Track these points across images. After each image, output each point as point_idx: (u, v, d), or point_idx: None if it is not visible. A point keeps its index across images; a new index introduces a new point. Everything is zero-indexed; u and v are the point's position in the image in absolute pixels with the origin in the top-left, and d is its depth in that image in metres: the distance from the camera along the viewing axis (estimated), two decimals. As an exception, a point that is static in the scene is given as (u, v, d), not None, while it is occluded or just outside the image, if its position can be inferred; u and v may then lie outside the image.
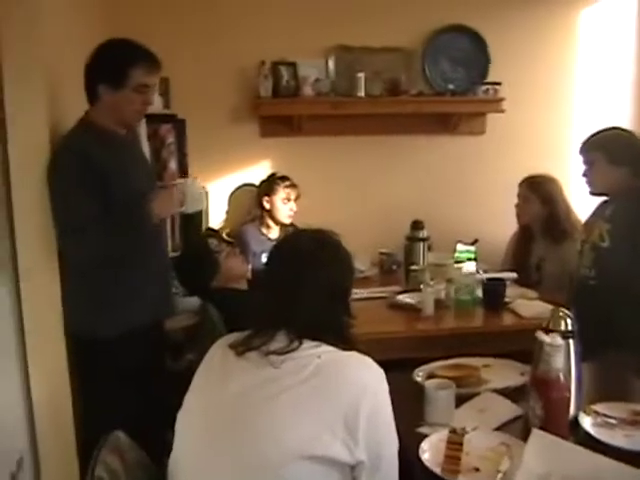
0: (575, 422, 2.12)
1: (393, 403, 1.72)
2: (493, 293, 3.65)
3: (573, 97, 5.25)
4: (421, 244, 4.06)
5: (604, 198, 3.31)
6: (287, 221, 4.49)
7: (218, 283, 3.59)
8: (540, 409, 2.01)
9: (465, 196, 5.12)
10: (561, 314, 2.19)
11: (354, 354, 1.75)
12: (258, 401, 1.65)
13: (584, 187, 3.36)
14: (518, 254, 4.35)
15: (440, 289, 3.63)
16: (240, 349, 1.77)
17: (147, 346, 2.82)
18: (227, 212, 4.84)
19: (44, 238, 2.61)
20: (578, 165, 3.37)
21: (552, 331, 2.10)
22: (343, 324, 1.88)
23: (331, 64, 4.87)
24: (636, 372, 2.58)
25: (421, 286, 3.57)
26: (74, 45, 3.09)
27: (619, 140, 3.27)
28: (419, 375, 2.56)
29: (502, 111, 4.92)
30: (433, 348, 3.11)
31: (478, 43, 4.99)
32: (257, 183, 4.66)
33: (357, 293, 3.14)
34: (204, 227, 4.50)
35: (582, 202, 3.85)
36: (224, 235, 4.41)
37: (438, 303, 3.56)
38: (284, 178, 4.49)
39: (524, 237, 4.33)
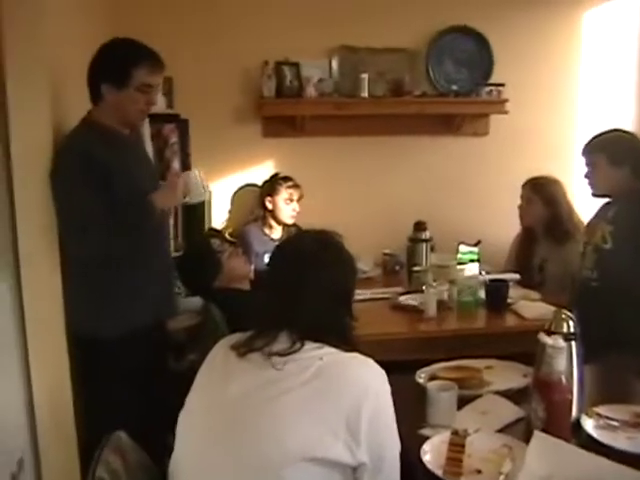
0: (577, 424, 2.12)
1: (395, 404, 1.72)
2: (496, 294, 3.65)
3: (576, 99, 5.25)
4: (424, 245, 4.06)
5: (607, 200, 3.32)
6: (289, 221, 4.49)
7: (220, 283, 3.59)
8: (542, 411, 2.00)
9: (468, 197, 5.11)
10: (563, 316, 2.19)
11: (356, 356, 1.75)
12: (260, 402, 1.65)
13: (587, 189, 3.36)
14: (521, 255, 4.35)
15: (443, 290, 3.63)
16: (242, 350, 1.77)
17: (149, 346, 2.82)
18: (230, 212, 4.84)
19: (46, 237, 2.61)
20: (581, 167, 3.37)
21: (554, 333, 2.10)
22: (345, 325, 1.87)
23: (334, 64, 4.86)
24: (638, 374, 2.58)
25: (424, 287, 3.57)
26: (77, 45, 3.09)
27: (621, 142, 3.28)
28: (421, 377, 2.56)
29: (505, 112, 4.92)
30: (435, 349, 3.11)
31: (482, 44, 4.99)
32: (260, 183, 4.66)
33: (360, 294, 3.15)
34: (207, 222, 4.50)
35: (585, 204, 3.84)
36: (227, 235, 4.41)
37: (441, 304, 3.56)
38: (287, 178, 4.48)
39: (527, 238, 4.33)
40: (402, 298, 3.76)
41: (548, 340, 2.04)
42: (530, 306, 3.56)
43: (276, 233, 4.54)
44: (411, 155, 5.06)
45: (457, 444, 1.96)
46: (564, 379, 2.03)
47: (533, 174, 4.26)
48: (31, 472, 2.63)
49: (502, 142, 5.10)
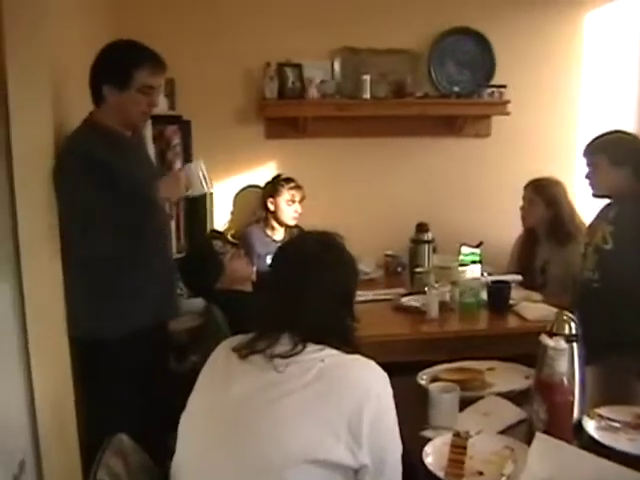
0: (579, 426, 2.12)
1: (397, 406, 1.72)
2: (498, 296, 3.65)
3: (578, 100, 5.25)
4: (426, 246, 4.06)
5: (608, 201, 3.32)
6: (292, 223, 4.49)
7: (222, 285, 3.59)
8: (544, 413, 2.00)
9: (470, 198, 5.12)
10: (565, 318, 2.19)
11: (358, 357, 1.75)
12: (261, 404, 1.65)
13: (588, 189, 3.37)
14: (523, 257, 4.35)
15: (445, 292, 3.63)
16: (244, 352, 1.77)
17: (150, 347, 2.82)
18: (232, 213, 4.84)
19: (47, 237, 2.60)
20: (583, 168, 3.38)
21: (556, 335, 2.10)
22: (347, 327, 1.87)
23: (337, 66, 4.87)
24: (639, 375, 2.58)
25: (426, 289, 3.57)
26: (78, 45, 3.10)
27: (622, 143, 3.28)
28: (423, 378, 2.56)
29: (507, 114, 4.92)
30: (437, 351, 3.11)
31: (484, 46, 4.99)
32: (262, 185, 4.66)
33: (362, 295, 3.16)
34: (209, 224, 4.51)
35: (587, 205, 3.84)
36: (229, 237, 4.42)
37: (443, 306, 3.56)
38: (289, 180, 4.49)
39: (529, 240, 4.33)
40: (404, 299, 3.76)
41: (550, 342, 2.03)
42: (532, 307, 3.55)
43: (278, 234, 4.54)
44: (413, 156, 5.07)
45: (459, 446, 1.96)
46: (566, 381, 2.03)
47: (535, 175, 4.27)
48: (32, 474, 2.62)
49: (504, 143, 5.11)
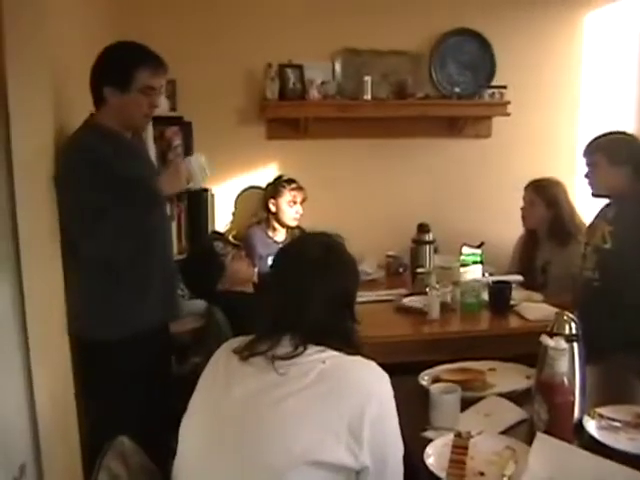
0: (580, 425, 2.12)
1: (398, 407, 1.72)
2: (499, 296, 3.65)
3: (578, 100, 5.26)
4: (427, 247, 4.06)
5: (607, 201, 3.33)
6: (293, 224, 4.50)
7: (224, 286, 3.60)
8: (545, 413, 2.01)
9: (471, 199, 5.12)
10: (565, 318, 2.20)
11: (358, 359, 1.75)
12: (262, 406, 1.65)
13: (588, 189, 3.38)
14: (524, 257, 4.36)
15: (446, 292, 3.62)
16: (245, 354, 1.77)
17: (152, 349, 2.81)
18: (233, 214, 4.85)
19: (48, 239, 2.60)
20: (583, 168, 3.39)
21: (556, 335, 2.10)
22: (348, 329, 1.87)
23: (338, 67, 4.87)
24: (640, 374, 2.59)
25: (427, 289, 3.57)
26: (79, 46, 3.10)
27: (622, 143, 3.30)
28: (425, 379, 2.56)
29: (508, 114, 4.93)
30: (439, 351, 3.11)
31: (484, 47, 5.01)
32: (263, 186, 4.67)
33: (363, 296, 3.17)
34: (210, 225, 4.51)
35: (587, 205, 3.85)
36: (230, 238, 4.42)
37: (444, 306, 3.56)
38: (290, 181, 4.50)
39: (530, 240, 4.34)
40: (406, 300, 3.77)
41: (550, 342, 2.04)
42: (533, 308, 3.56)
43: (280, 235, 4.55)
44: (414, 157, 5.07)
45: (460, 446, 1.97)
46: (566, 381, 2.03)
47: (535, 176, 4.28)
48: (33, 477, 2.61)
49: (504, 144, 5.11)
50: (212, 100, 4.68)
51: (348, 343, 1.82)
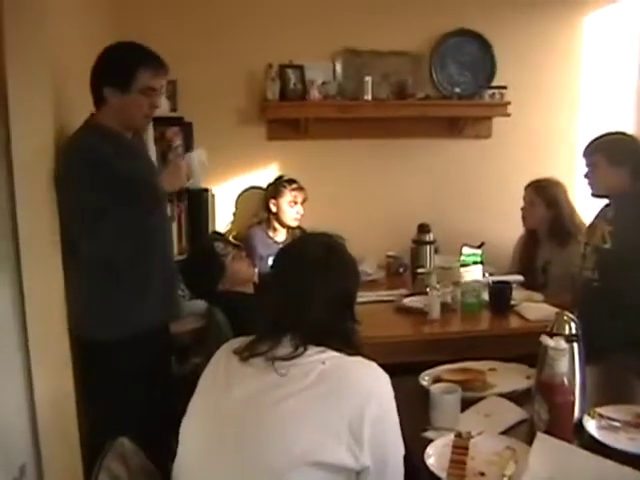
0: (580, 425, 2.12)
1: (399, 407, 1.72)
2: (499, 296, 3.65)
3: (578, 101, 5.27)
4: (428, 247, 4.07)
5: (607, 201, 3.34)
6: (294, 224, 4.50)
7: (224, 286, 3.59)
8: (545, 413, 2.01)
9: (471, 199, 5.13)
10: (565, 318, 2.20)
11: (359, 359, 1.75)
12: (263, 407, 1.65)
13: (588, 189, 3.38)
14: (525, 257, 4.37)
15: (446, 292, 3.62)
16: (245, 355, 1.77)
17: (152, 349, 2.81)
18: (234, 215, 4.85)
19: (48, 239, 2.60)
20: (583, 168, 3.40)
21: (556, 335, 2.10)
22: (348, 329, 1.87)
23: (338, 67, 4.87)
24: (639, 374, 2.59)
25: (427, 289, 3.57)
26: (79, 46, 3.10)
27: (621, 143, 3.32)
28: (425, 379, 2.56)
29: (508, 115, 4.93)
30: (439, 351, 3.11)
31: (485, 48, 5.02)
32: (264, 186, 4.67)
33: (364, 296, 3.17)
34: (211, 225, 4.51)
35: (587, 205, 3.85)
36: (230, 238, 4.42)
37: (445, 306, 3.56)
38: (291, 181, 4.50)
39: (530, 240, 4.35)
40: (406, 300, 3.77)
41: (550, 342, 2.04)
42: (533, 308, 3.56)
43: (280, 236, 4.55)
44: (414, 157, 5.07)
45: (461, 446, 1.97)
46: (566, 381, 2.03)
47: (535, 176, 4.29)
48: (33, 478, 2.61)
49: (504, 144, 5.12)
50: (213, 100, 4.68)
51: (348, 344, 1.82)
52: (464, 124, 5.09)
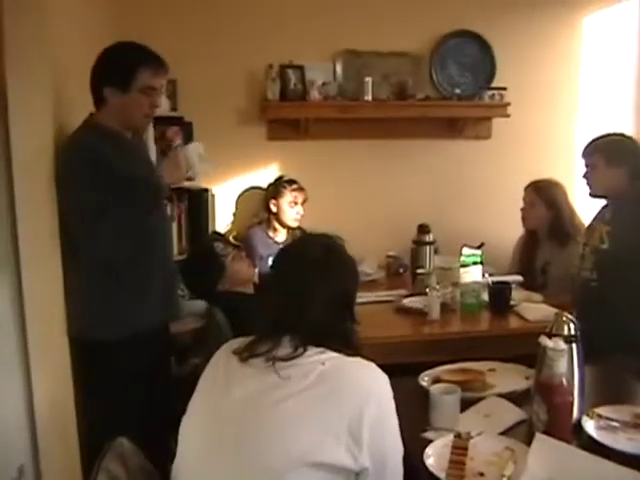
0: (578, 425, 2.12)
1: (398, 408, 1.72)
2: (499, 296, 3.66)
3: (577, 102, 5.27)
4: (427, 248, 4.07)
5: (606, 202, 3.35)
6: (294, 224, 4.50)
7: (224, 286, 3.59)
8: (544, 413, 2.01)
9: (471, 200, 5.13)
10: (564, 318, 2.20)
11: (358, 360, 1.75)
12: (262, 408, 1.65)
13: (587, 189, 3.39)
14: (524, 258, 4.37)
15: (446, 293, 3.62)
16: (244, 355, 1.77)
17: (152, 349, 2.80)
18: (234, 215, 4.85)
19: (47, 239, 2.59)
20: (582, 168, 3.41)
21: (555, 336, 2.11)
22: (348, 330, 1.87)
23: (339, 68, 4.88)
24: (639, 374, 2.59)
25: (427, 290, 3.57)
26: (79, 46, 3.10)
27: (620, 144, 3.34)
28: (425, 379, 2.56)
29: (507, 116, 4.94)
30: (439, 352, 3.11)
31: (485, 49, 5.03)
32: (264, 186, 4.67)
33: (364, 297, 3.18)
34: (211, 225, 4.51)
35: (587, 206, 3.85)
36: (230, 238, 4.42)
37: (444, 307, 3.56)
38: (291, 181, 4.50)
39: (530, 241, 4.35)
40: (406, 301, 3.77)
41: (549, 343, 2.04)
42: (533, 308, 3.56)
43: (280, 236, 4.55)
44: (414, 158, 5.08)
45: (460, 447, 1.97)
46: (565, 381, 2.03)
47: (535, 177, 4.29)
48: (32, 478, 2.59)
49: (504, 145, 5.12)
50: (213, 100, 4.68)
51: (348, 344, 1.82)
52: (464, 125, 5.10)
